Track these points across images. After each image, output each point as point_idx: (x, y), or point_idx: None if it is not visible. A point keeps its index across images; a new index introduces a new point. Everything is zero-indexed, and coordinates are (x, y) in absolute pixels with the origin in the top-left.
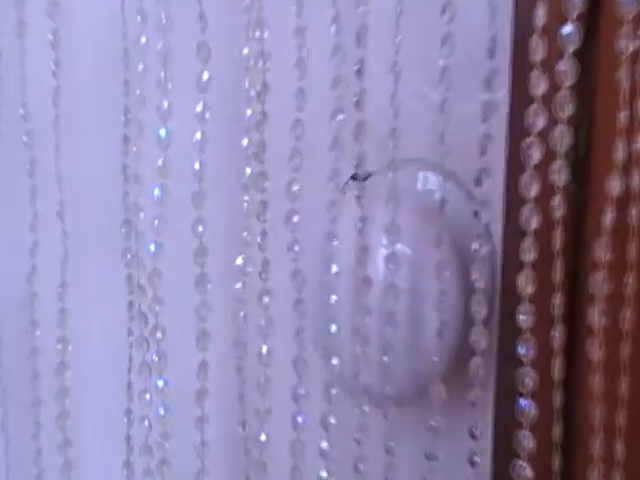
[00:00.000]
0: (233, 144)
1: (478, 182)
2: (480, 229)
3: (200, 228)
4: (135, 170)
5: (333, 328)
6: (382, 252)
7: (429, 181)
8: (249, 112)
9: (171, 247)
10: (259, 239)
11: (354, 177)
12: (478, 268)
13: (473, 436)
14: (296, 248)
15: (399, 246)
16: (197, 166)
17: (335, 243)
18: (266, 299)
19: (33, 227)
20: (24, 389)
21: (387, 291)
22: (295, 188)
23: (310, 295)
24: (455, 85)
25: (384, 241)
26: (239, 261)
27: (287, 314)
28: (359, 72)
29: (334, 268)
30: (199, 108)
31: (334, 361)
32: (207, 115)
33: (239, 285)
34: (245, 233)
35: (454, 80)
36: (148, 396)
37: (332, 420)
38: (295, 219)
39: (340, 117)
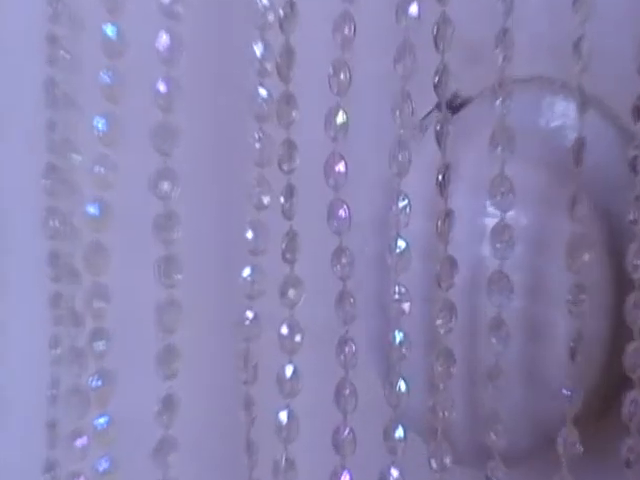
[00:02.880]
0: None
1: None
2: None
3: (167, 184)
4: None
5: (398, 338)
6: (481, 224)
7: (558, 111)
8: None
9: (122, 208)
10: (282, 199)
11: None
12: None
13: None
14: (341, 214)
15: (511, 214)
16: (162, 88)
17: (402, 208)
18: (291, 292)
19: None
20: None
21: (490, 285)
22: (340, 119)
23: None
24: None
25: (487, 206)
26: (249, 235)
27: (322, 316)
28: None
29: (400, 244)
30: None
31: (400, 387)
32: None
33: (246, 272)
34: (256, 188)
35: None
36: (81, 441)
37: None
38: (340, 167)
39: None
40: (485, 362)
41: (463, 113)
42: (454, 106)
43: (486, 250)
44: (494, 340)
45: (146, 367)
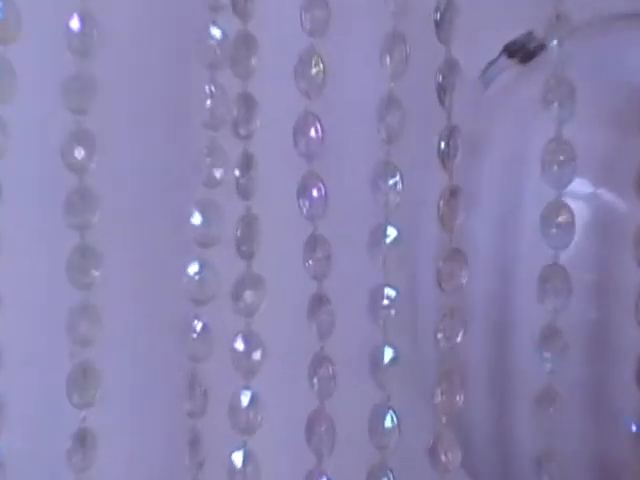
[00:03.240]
0: None
1: None
2: None
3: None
4: None
5: (388, 355)
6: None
7: None
8: None
9: (17, 183)
10: (237, 172)
11: (511, 49)
12: None
13: None
14: (315, 193)
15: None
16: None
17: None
18: (249, 295)
19: None
20: None
21: (542, 282)
22: (315, 68)
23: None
24: None
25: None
26: (196, 219)
27: (289, 328)
28: None
29: (390, 232)
30: None
31: (386, 422)
32: None
33: (193, 270)
34: (206, 158)
35: None
36: None
37: None
38: (314, 131)
39: None
40: (530, 384)
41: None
42: (528, 51)
43: (530, 238)
44: (547, 355)
45: (53, 392)
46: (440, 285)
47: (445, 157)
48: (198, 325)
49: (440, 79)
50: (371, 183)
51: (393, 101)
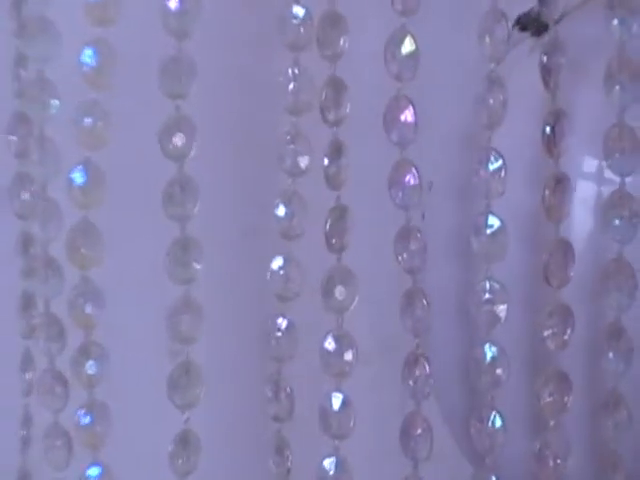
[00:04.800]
0: None
1: None
2: None
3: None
4: None
5: (490, 353)
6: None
7: None
8: None
9: (118, 175)
10: (325, 161)
11: (524, 21)
12: None
13: None
14: (409, 180)
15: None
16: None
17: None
18: (339, 292)
19: None
20: None
21: (605, 278)
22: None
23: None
24: None
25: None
26: (280, 211)
27: (384, 326)
28: None
29: (492, 222)
30: None
31: (494, 423)
32: None
33: (277, 264)
34: (289, 145)
35: None
36: None
37: None
38: (407, 116)
39: None
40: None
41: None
42: (542, 23)
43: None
44: (611, 355)
45: (154, 394)
46: (548, 280)
47: (550, 142)
48: (283, 323)
49: (544, 60)
50: (473, 169)
51: (494, 82)
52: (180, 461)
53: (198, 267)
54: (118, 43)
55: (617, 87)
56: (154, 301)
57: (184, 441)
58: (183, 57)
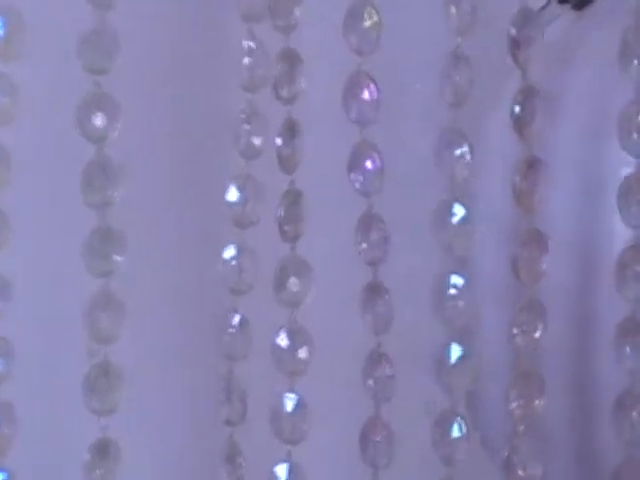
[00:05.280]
0: None
1: None
2: None
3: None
4: None
5: (455, 353)
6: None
7: None
8: None
9: (27, 155)
10: (278, 141)
11: None
12: None
13: None
14: (369, 165)
15: None
16: None
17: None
18: (293, 283)
19: None
20: None
21: (621, 268)
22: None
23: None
24: None
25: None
26: (231, 195)
27: (340, 321)
28: None
29: (457, 211)
30: None
31: (454, 431)
32: None
33: (229, 254)
34: (244, 125)
35: None
36: None
37: None
38: (367, 94)
39: None
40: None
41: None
42: None
43: (609, 217)
44: (628, 350)
45: (69, 398)
46: (517, 273)
47: (521, 123)
48: (235, 318)
49: (513, 32)
50: (435, 153)
51: (460, 58)
52: (98, 472)
53: (119, 259)
54: (32, 11)
55: (635, 61)
56: (71, 295)
57: (102, 451)
58: (106, 29)
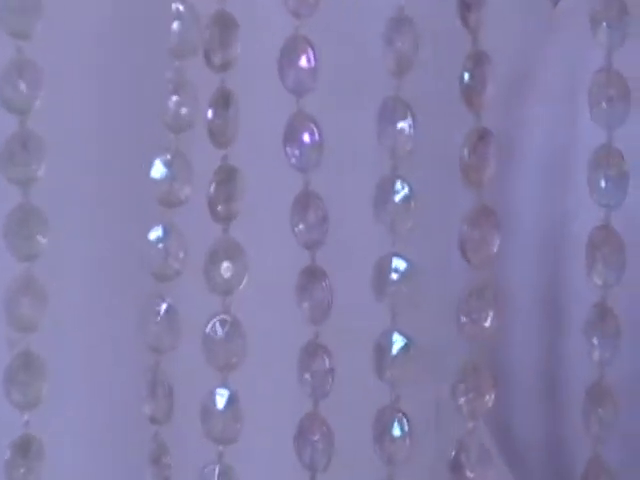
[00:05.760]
0: None
1: None
2: None
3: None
4: None
5: (398, 343)
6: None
7: None
8: None
9: None
10: (209, 113)
11: None
12: None
13: None
14: (306, 138)
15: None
16: None
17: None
18: (225, 268)
19: None
20: None
21: (590, 251)
22: None
23: None
24: None
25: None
26: (156, 171)
27: (275, 310)
28: None
29: (398, 188)
30: None
31: (394, 431)
32: None
33: (155, 235)
34: (173, 97)
35: None
36: None
37: None
38: (304, 60)
39: None
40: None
41: None
42: None
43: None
44: (596, 340)
45: None
46: (466, 255)
47: (471, 91)
48: (162, 306)
49: None
50: (376, 126)
51: (404, 21)
52: (22, 471)
53: (43, 241)
54: None
55: (604, 24)
56: None
57: (24, 448)
58: None
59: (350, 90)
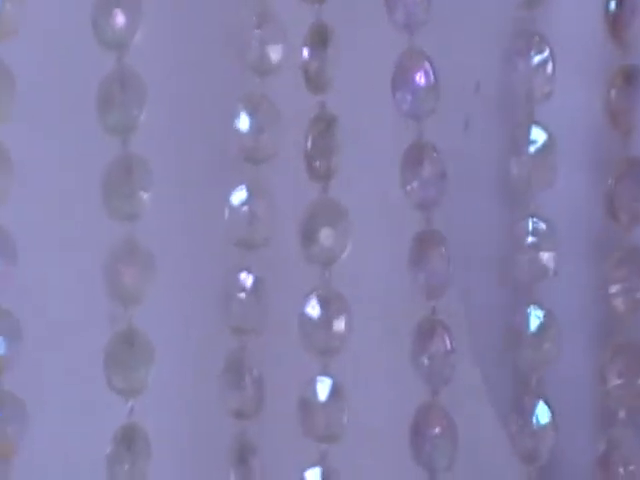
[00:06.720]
0: None
1: None
2: None
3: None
4: None
5: (535, 320)
6: None
7: None
8: None
9: None
10: (305, 52)
11: None
12: None
13: None
14: (420, 79)
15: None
16: None
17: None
18: (325, 234)
19: None
20: None
21: None
22: None
23: None
24: None
25: None
26: (242, 123)
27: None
28: None
29: (536, 136)
30: None
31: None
32: None
33: (239, 197)
34: (255, 31)
35: None
36: None
37: None
38: None
39: None
40: None
41: None
42: None
43: None
44: None
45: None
46: (615, 215)
47: (617, 23)
48: (248, 280)
49: None
50: (505, 61)
51: None
52: (127, 467)
53: (145, 197)
54: None
55: None
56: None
57: (128, 439)
58: None
59: (466, 21)
